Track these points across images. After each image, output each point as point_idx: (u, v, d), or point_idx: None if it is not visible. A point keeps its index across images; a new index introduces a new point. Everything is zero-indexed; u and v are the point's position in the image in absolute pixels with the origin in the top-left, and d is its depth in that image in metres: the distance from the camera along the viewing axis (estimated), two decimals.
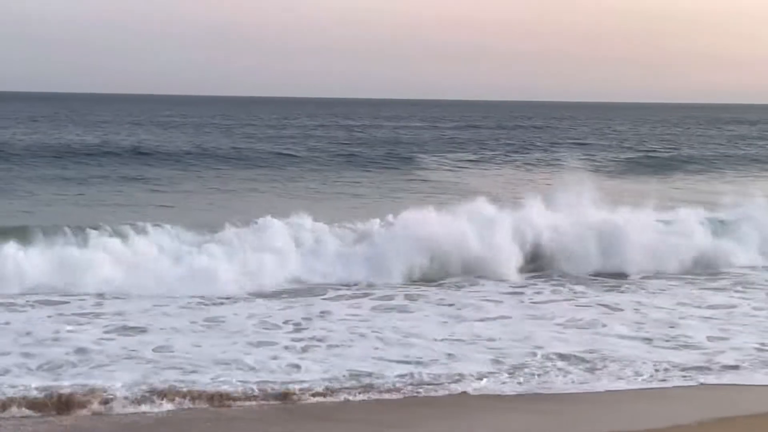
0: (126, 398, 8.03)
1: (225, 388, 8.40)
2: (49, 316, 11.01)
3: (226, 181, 26.63)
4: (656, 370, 9.35)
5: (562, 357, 9.72)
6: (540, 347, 10.08)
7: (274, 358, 9.49)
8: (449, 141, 50.11)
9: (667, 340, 10.57)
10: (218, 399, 8.18)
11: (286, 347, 9.90)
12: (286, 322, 11.05)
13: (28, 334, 10.10)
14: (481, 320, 11.48)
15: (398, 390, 8.63)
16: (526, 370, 9.27)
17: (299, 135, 50.83)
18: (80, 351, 9.46)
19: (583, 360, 9.62)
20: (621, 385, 8.96)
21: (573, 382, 9.00)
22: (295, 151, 36.74)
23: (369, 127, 65.11)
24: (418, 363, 9.44)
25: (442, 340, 10.42)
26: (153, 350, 9.63)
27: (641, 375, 9.22)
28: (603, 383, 8.99)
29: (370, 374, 8.98)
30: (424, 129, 65.59)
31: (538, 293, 13.35)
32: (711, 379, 9.22)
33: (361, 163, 33.37)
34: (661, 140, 53.97)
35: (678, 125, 79.88)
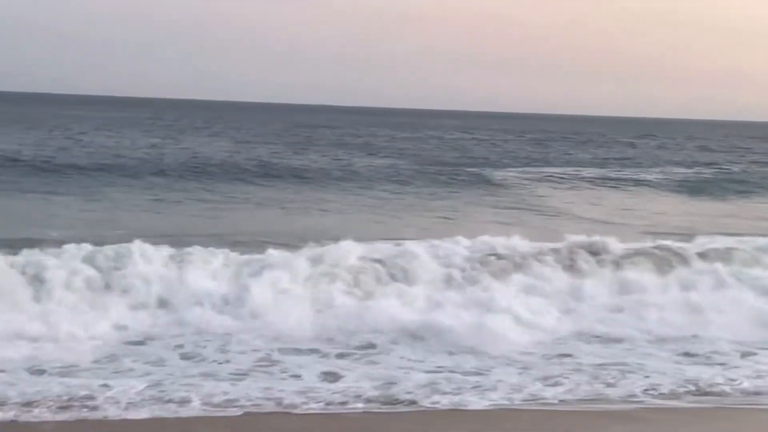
0: None
1: None
2: None
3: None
4: None
5: None
6: None
7: None
8: (510, 154, 50.25)
9: None
10: None
11: None
12: None
13: None
14: None
15: None
16: None
17: (362, 144, 51.27)
18: None
19: None
20: None
21: None
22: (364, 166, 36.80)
23: (423, 139, 65.50)
24: None
25: None
26: None
27: None
28: None
29: None
30: (479, 141, 65.78)
31: None
32: None
33: (432, 177, 32.75)
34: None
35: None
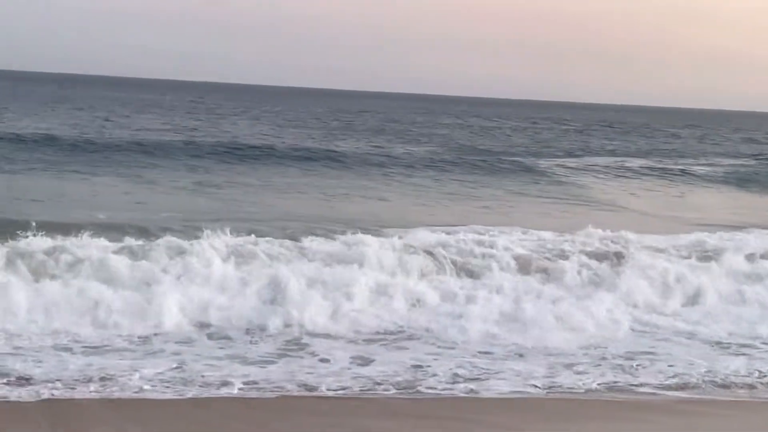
0: None
1: None
2: None
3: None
4: None
5: None
6: None
7: None
8: (551, 142, 49.57)
9: None
10: None
11: None
12: None
13: None
14: None
15: None
16: None
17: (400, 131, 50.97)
18: None
19: None
20: None
21: None
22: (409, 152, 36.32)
23: (461, 126, 65.02)
24: None
25: None
26: None
27: None
28: None
29: None
30: (518, 130, 65.05)
31: None
32: None
33: (474, 165, 31.91)
34: None
35: None
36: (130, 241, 12.36)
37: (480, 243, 13.84)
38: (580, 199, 24.89)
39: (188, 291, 10.73)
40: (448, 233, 14.89)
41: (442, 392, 8.57)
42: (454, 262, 12.78)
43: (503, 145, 45.43)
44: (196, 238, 12.52)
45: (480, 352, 9.91)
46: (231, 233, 12.81)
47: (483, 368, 9.33)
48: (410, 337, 10.44)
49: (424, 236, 14.25)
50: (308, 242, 13.03)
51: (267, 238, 13.19)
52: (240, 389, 8.30)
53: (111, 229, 13.31)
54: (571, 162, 36.60)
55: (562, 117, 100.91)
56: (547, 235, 15.30)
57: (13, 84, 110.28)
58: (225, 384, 8.36)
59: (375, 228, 15.24)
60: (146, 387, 8.13)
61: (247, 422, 7.66)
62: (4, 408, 7.50)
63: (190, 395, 8.07)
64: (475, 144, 45.19)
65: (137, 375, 8.39)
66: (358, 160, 31.75)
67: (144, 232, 13.54)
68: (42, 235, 11.83)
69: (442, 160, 33.36)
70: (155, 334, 9.82)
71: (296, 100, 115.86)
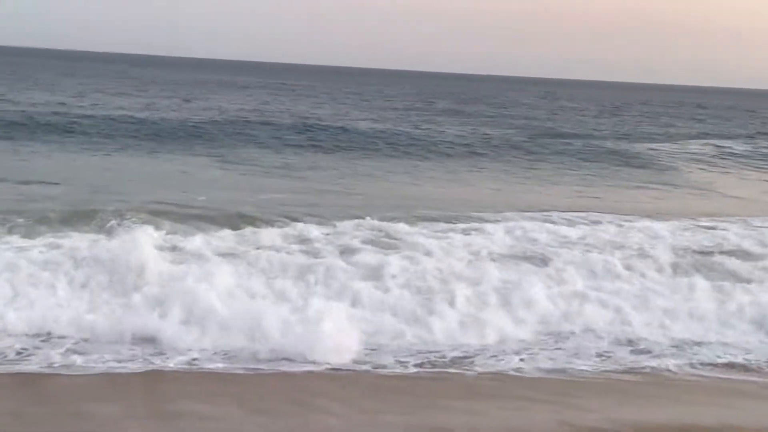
0: None
1: None
2: None
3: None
4: None
5: None
6: None
7: None
8: (626, 125, 48.31)
9: None
10: None
11: None
12: None
13: None
14: None
15: None
16: None
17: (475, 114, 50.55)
18: None
19: None
20: None
21: None
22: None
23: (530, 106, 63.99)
24: None
25: None
26: None
27: None
28: None
29: None
30: (587, 111, 63.62)
31: None
32: None
33: (561, 150, 31.09)
34: None
35: None
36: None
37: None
38: (694, 186, 24.04)
39: None
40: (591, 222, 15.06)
41: None
42: None
43: (587, 129, 44.61)
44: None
45: None
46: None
47: None
48: None
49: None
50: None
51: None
52: None
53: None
54: (664, 146, 35.68)
55: (646, 99, 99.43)
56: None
57: (90, 64, 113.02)
58: None
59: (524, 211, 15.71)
60: None
61: (331, 397, 7.73)
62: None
63: None
64: (559, 127, 44.40)
65: None
66: (440, 143, 31.36)
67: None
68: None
69: (527, 143, 32.86)
70: None
71: (378, 82, 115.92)
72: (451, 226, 14.10)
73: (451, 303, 10.08)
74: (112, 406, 7.30)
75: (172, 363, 8.33)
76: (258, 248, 11.61)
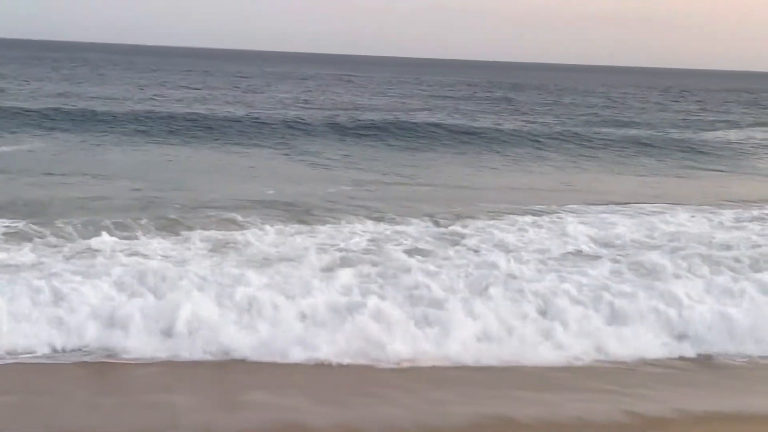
0: None
1: None
2: None
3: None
4: None
5: None
6: None
7: None
8: (688, 113, 47.54)
9: None
10: None
11: None
12: None
13: None
14: None
15: None
16: None
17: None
18: None
19: None
20: None
21: None
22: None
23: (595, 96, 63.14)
24: None
25: None
26: None
27: None
28: None
29: None
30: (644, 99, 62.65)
31: None
32: None
33: (632, 142, 30.38)
34: None
35: None
36: None
37: None
38: None
39: None
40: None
41: None
42: None
43: (649, 117, 43.99)
44: None
45: None
46: None
47: None
48: None
49: None
50: None
51: None
52: None
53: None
54: (729, 134, 35.08)
55: (686, 84, 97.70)
56: None
57: (158, 59, 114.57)
58: None
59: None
60: None
61: (397, 388, 7.84)
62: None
63: None
64: (619, 116, 43.88)
65: None
66: (501, 133, 31.25)
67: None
68: None
69: (592, 134, 32.46)
70: None
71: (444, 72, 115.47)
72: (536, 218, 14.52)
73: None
74: (183, 396, 7.45)
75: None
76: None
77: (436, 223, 13.98)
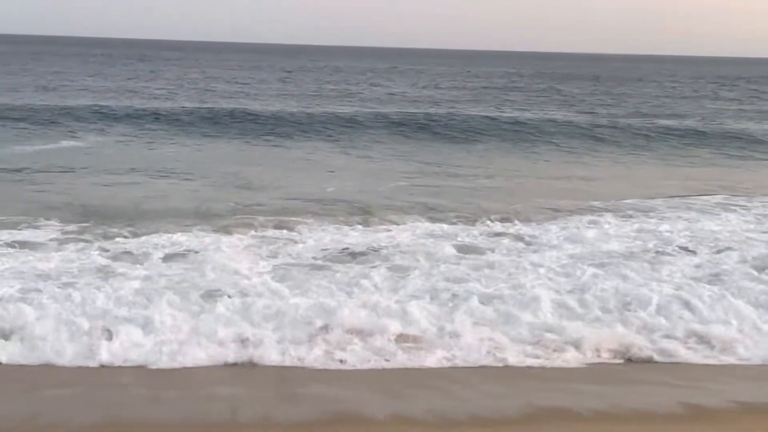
0: None
1: None
2: None
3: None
4: None
5: None
6: None
7: None
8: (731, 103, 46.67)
9: None
10: None
11: None
12: None
13: None
14: None
15: None
16: None
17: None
18: None
19: None
20: None
21: None
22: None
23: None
24: None
25: None
26: None
27: None
28: None
29: None
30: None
31: None
32: None
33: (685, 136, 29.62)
34: None
35: None
36: None
37: None
38: None
39: None
40: None
41: None
42: None
43: (703, 108, 43.22)
44: None
45: None
46: None
47: None
48: None
49: None
50: None
51: None
52: None
53: None
54: None
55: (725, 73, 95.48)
56: None
57: (218, 55, 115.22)
58: None
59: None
60: None
61: (456, 382, 7.88)
62: None
63: None
64: (673, 106, 43.23)
65: None
66: (549, 125, 31.00)
67: None
68: None
69: (646, 125, 32.06)
70: None
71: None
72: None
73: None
74: (242, 389, 7.57)
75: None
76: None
77: (507, 220, 14.10)
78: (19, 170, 18.34)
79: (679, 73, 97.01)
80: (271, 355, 8.24)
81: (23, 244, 11.61)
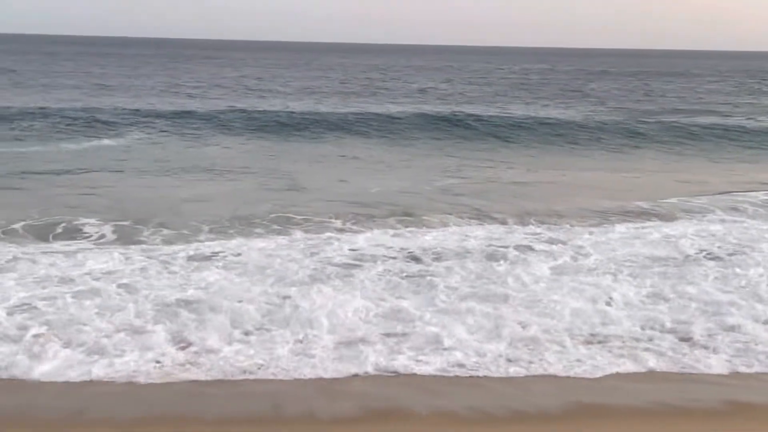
0: None
1: None
2: None
3: None
4: None
5: None
6: None
7: None
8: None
9: None
10: None
11: None
12: None
13: None
14: None
15: None
16: None
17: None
18: None
19: None
20: None
21: None
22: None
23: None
24: None
25: None
26: None
27: None
28: None
29: None
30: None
31: None
32: None
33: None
34: None
35: None
36: None
37: None
38: None
39: None
40: None
41: None
42: None
43: (740, 107, 42.54)
44: None
45: None
46: None
47: None
48: None
49: None
50: None
51: None
52: None
53: None
54: None
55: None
56: None
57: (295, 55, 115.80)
58: None
59: None
60: None
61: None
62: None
63: None
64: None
65: None
66: (596, 125, 30.71)
67: None
68: None
69: (689, 123, 31.69)
70: None
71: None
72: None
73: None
74: (284, 384, 7.64)
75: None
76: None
77: (552, 221, 14.09)
78: (65, 171, 18.61)
79: (722, 68, 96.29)
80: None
81: (72, 245, 11.88)
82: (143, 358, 7.98)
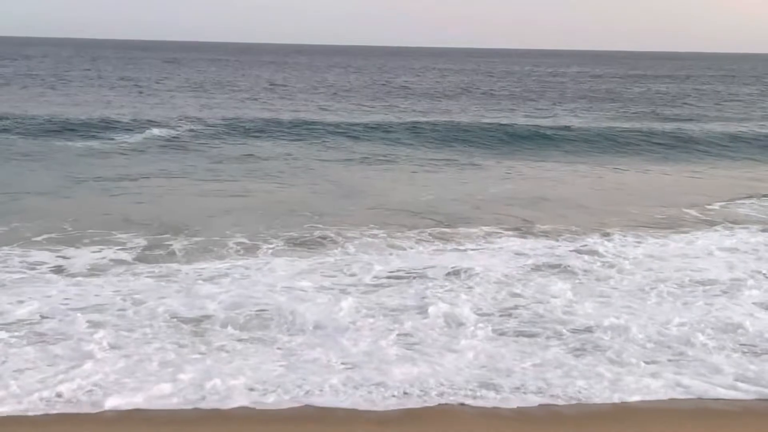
0: None
1: None
2: None
3: None
4: None
5: None
6: None
7: None
8: None
9: None
10: None
11: None
12: None
13: None
14: None
15: None
16: None
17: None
18: None
19: None
20: None
21: None
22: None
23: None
24: None
25: None
26: None
27: None
28: None
29: None
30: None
31: None
32: None
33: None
34: None
35: None
36: None
37: None
38: None
39: None
40: None
41: None
42: None
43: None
44: None
45: None
46: None
47: None
48: None
49: None
50: None
51: None
52: None
53: None
54: None
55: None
56: None
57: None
58: None
59: None
60: None
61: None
62: None
63: None
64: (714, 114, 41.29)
65: None
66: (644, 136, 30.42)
67: None
68: None
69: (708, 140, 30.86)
70: None
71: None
72: None
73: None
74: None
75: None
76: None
77: (632, 233, 14.16)
78: (107, 179, 18.81)
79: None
80: None
81: (112, 257, 11.98)
82: None
